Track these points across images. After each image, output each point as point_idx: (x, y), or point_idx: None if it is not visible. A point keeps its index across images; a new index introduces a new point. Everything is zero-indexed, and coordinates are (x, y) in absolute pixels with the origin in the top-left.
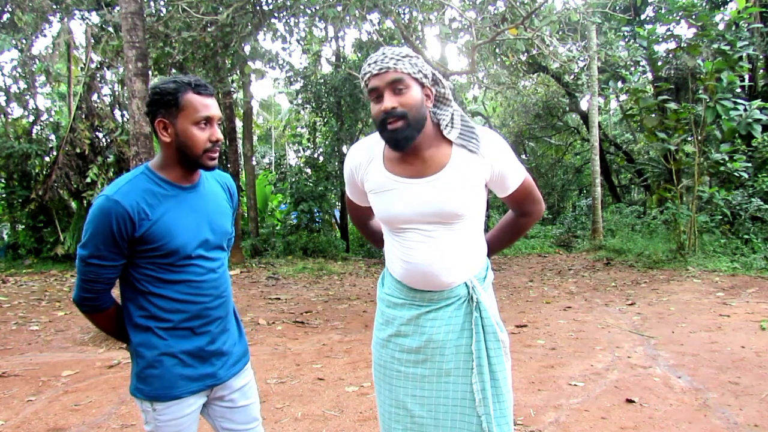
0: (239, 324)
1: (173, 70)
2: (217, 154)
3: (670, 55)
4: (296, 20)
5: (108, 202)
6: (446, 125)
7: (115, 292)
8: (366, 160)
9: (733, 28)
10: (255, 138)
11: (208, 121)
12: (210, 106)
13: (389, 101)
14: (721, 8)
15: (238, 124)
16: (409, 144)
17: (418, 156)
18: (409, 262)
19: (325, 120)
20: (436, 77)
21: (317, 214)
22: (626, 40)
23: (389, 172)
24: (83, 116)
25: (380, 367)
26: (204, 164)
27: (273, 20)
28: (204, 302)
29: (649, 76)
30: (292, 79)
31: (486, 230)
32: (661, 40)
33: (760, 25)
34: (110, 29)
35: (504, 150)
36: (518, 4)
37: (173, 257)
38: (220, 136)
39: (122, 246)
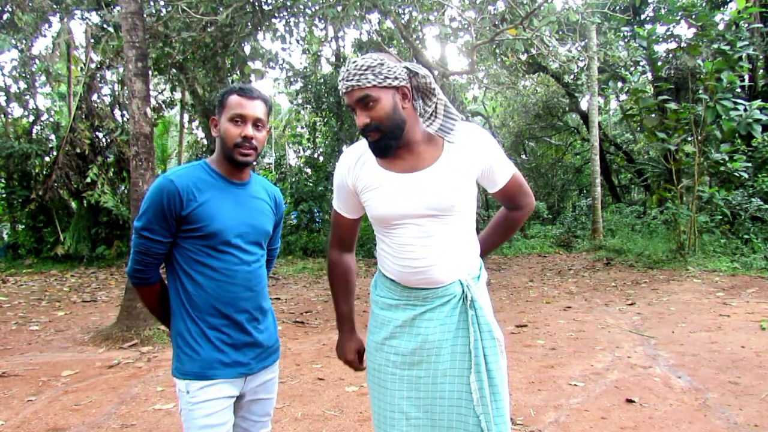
0: (274, 320)
1: (173, 70)
2: (249, 151)
3: (670, 55)
4: (296, 20)
5: (164, 180)
6: (428, 118)
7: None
8: (357, 161)
9: (733, 28)
10: None
11: (242, 118)
12: (246, 106)
13: (361, 118)
14: (721, 8)
15: None
16: (389, 152)
17: (411, 152)
18: (404, 259)
19: (325, 120)
20: (412, 70)
21: (317, 214)
22: (626, 40)
23: (383, 168)
24: (83, 116)
25: (375, 371)
26: (235, 158)
27: (273, 20)
28: (234, 291)
29: (649, 76)
30: (292, 79)
31: (478, 230)
32: (661, 40)
33: (760, 25)
34: (110, 29)
35: (491, 144)
36: (518, 4)
37: (213, 240)
38: (251, 133)
39: (170, 222)
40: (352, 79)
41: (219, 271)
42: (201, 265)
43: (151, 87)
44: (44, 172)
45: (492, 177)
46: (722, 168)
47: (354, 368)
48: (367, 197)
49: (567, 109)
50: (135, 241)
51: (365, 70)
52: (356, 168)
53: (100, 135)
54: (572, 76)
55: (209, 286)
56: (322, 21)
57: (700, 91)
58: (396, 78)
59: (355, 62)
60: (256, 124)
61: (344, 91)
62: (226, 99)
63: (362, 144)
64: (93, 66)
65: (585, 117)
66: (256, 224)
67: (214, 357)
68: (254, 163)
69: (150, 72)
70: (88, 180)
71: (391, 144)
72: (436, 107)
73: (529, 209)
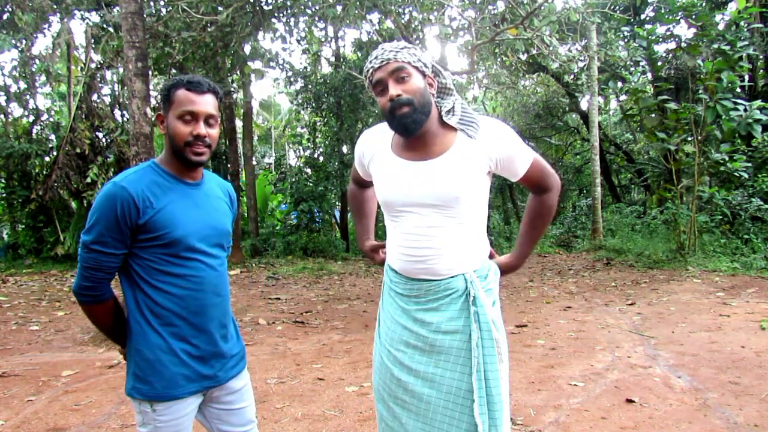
0: (236, 326)
1: (173, 70)
2: (202, 150)
3: (670, 55)
4: (296, 20)
5: (115, 187)
6: (448, 111)
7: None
8: (376, 143)
9: (733, 28)
10: (255, 138)
11: (192, 115)
12: (196, 102)
13: (394, 89)
14: (721, 8)
15: (238, 124)
16: (417, 128)
17: (425, 142)
18: (406, 247)
19: (325, 120)
20: (436, 69)
21: (317, 214)
22: (626, 40)
23: (395, 155)
24: (83, 116)
25: (378, 345)
26: (187, 157)
27: (273, 20)
28: (203, 299)
29: (649, 76)
30: (292, 79)
31: (488, 231)
32: (661, 40)
33: (760, 25)
34: (110, 29)
35: (506, 136)
36: (518, 4)
37: (175, 248)
38: (203, 131)
39: (125, 233)
40: (388, 54)
41: (186, 278)
42: (165, 274)
43: (151, 87)
44: (44, 172)
45: (510, 168)
46: (722, 168)
47: (372, 259)
48: (376, 181)
49: (567, 109)
50: (83, 255)
51: (402, 48)
52: (374, 146)
53: (100, 135)
54: (572, 76)
55: (178, 294)
56: (322, 21)
57: (700, 91)
58: (426, 66)
59: (390, 43)
60: (208, 120)
61: (378, 65)
62: (173, 94)
63: (383, 126)
64: (93, 66)
65: (585, 117)
66: (217, 225)
67: (177, 372)
68: (207, 161)
69: (150, 72)
70: (88, 180)
71: (421, 119)
72: (454, 105)
73: (556, 188)
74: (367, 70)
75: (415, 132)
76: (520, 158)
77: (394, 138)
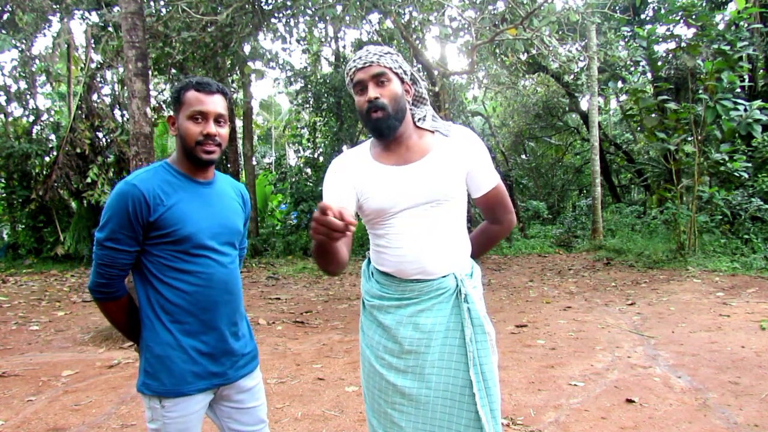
0: (249, 325)
1: (173, 70)
2: (213, 149)
3: (670, 55)
4: (296, 20)
5: (126, 186)
6: (420, 119)
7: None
8: (357, 161)
9: (733, 28)
10: (255, 138)
11: (202, 115)
12: (205, 102)
13: (372, 91)
14: (721, 8)
15: (238, 124)
16: (391, 132)
17: (402, 145)
18: (399, 248)
19: (325, 120)
20: (414, 77)
21: None
22: (626, 40)
23: (377, 162)
24: (83, 116)
25: (365, 364)
26: (197, 156)
27: (273, 20)
28: (213, 295)
29: (649, 76)
30: (292, 79)
31: (470, 231)
32: (661, 40)
33: (760, 25)
34: (110, 29)
35: (480, 146)
36: (518, 4)
37: (185, 244)
38: (213, 130)
39: (137, 230)
40: (372, 57)
41: (196, 275)
42: (176, 271)
43: (151, 87)
44: (44, 172)
45: (477, 180)
46: (722, 168)
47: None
48: (364, 192)
49: (567, 109)
50: (98, 252)
51: (386, 53)
52: (357, 167)
53: (100, 135)
54: (572, 76)
55: (187, 291)
56: (322, 21)
57: (700, 91)
58: (405, 73)
59: (375, 46)
60: (218, 119)
61: (360, 66)
62: (183, 95)
63: (355, 148)
64: (93, 66)
65: (585, 117)
66: (228, 224)
67: (186, 369)
68: (217, 160)
69: (150, 72)
70: (88, 180)
71: (394, 125)
72: (426, 114)
73: (508, 226)
74: (350, 69)
75: (388, 136)
76: (489, 174)
77: (372, 150)
